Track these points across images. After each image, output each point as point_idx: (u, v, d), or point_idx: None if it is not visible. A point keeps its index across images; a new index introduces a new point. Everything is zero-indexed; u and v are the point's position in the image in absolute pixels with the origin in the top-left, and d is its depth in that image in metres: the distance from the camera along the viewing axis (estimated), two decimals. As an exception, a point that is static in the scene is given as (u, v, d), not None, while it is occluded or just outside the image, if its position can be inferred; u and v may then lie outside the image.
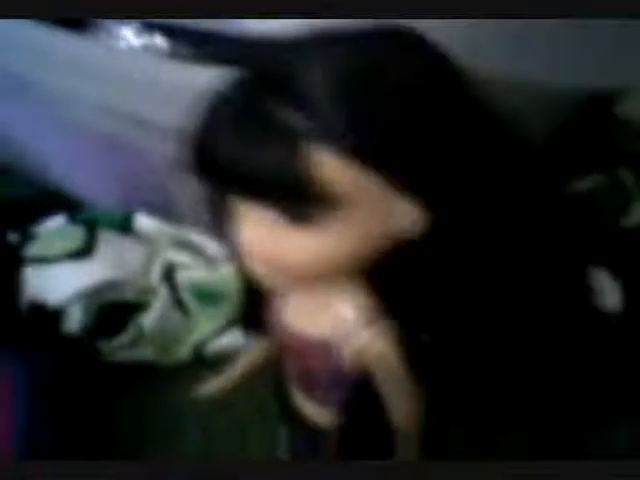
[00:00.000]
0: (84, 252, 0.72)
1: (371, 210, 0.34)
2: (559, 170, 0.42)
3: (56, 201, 0.83)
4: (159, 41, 0.67)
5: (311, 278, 0.36)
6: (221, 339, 0.73)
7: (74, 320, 0.69)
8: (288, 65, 0.33)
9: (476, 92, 0.36)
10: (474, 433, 0.65)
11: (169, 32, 0.67)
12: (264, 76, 0.33)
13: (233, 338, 0.71)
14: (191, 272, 0.75)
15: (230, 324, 0.73)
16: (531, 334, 0.43)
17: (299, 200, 0.33)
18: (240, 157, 0.32)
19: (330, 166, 0.32)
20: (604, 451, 0.63)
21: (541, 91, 0.67)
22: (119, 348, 0.71)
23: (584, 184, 0.84)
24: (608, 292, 0.74)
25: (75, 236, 0.74)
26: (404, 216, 0.34)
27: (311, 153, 0.32)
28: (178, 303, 0.74)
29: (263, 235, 0.35)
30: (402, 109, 0.32)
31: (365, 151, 0.32)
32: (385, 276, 0.37)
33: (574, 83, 0.70)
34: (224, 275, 0.73)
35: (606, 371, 0.68)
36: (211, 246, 0.76)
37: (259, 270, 0.36)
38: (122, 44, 0.68)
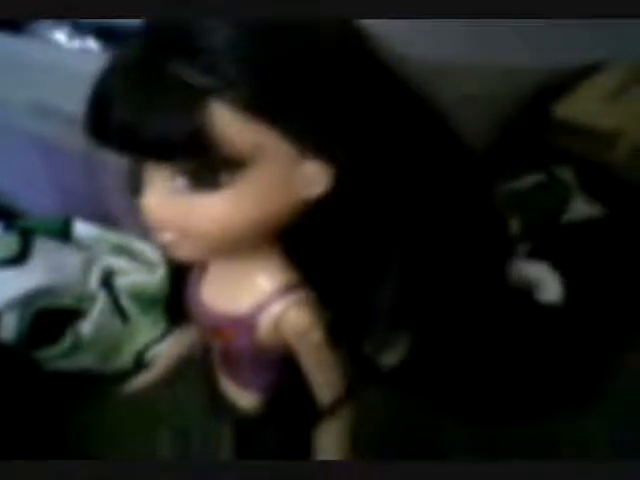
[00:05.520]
0: (18, 259, 0.71)
1: (275, 170, 0.33)
2: (493, 165, 0.42)
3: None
4: (92, 43, 0.67)
5: (223, 246, 0.35)
6: (164, 344, 0.72)
7: (9, 328, 0.68)
8: (182, 20, 0.32)
9: (385, 59, 0.35)
10: (410, 427, 0.64)
11: (102, 33, 0.66)
12: (159, 32, 0.33)
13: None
14: (131, 277, 0.74)
15: (172, 328, 0.72)
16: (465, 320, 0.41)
17: (201, 162, 0.32)
18: (137, 118, 0.31)
19: (231, 124, 0.31)
20: (545, 446, 0.63)
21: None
22: (57, 356, 0.69)
23: (525, 181, 0.85)
24: (549, 286, 0.75)
25: (9, 244, 0.72)
26: (310, 176, 0.34)
27: (210, 111, 0.31)
28: (118, 309, 0.72)
29: (169, 201, 0.34)
30: (303, 62, 0.32)
31: (266, 105, 0.31)
32: (297, 241, 0.36)
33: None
34: (163, 278, 0.72)
35: (547, 363, 0.69)
36: (151, 250, 0.75)
37: (167, 239, 0.35)
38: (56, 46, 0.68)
